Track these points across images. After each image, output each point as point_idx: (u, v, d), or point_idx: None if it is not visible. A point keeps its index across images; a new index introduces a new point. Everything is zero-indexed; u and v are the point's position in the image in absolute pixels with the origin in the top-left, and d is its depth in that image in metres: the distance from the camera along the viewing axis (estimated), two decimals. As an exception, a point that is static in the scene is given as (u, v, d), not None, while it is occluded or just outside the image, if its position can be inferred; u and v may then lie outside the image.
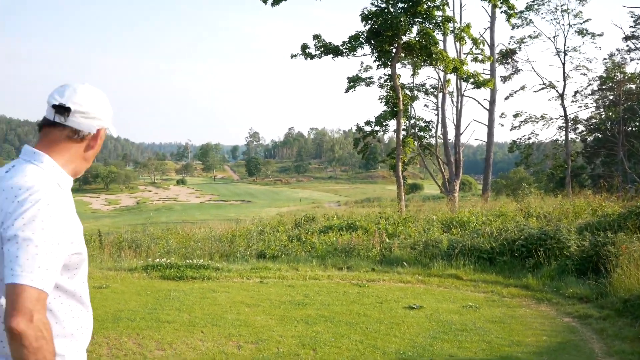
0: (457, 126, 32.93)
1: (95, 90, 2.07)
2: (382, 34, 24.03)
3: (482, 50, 27.55)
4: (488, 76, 29.90)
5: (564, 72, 37.47)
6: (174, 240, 14.45)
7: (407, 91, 31.60)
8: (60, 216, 1.84)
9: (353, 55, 25.92)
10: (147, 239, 14.60)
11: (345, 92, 29.21)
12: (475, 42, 26.17)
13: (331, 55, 25.96)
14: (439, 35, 25.59)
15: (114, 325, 6.82)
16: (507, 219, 13.77)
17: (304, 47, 26.12)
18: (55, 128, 1.99)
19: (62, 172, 1.99)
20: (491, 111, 33.19)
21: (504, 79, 39.01)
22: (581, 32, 36.74)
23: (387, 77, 30.39)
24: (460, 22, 28.26)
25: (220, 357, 5.79)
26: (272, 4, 24.28)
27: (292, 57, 26.29)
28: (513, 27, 35.37)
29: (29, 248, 1.73)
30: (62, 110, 1.97)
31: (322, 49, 25.85)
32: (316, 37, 25.96)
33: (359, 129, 33.68)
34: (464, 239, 11.70)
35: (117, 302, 8.13)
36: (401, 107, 25.88)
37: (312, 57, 26.13)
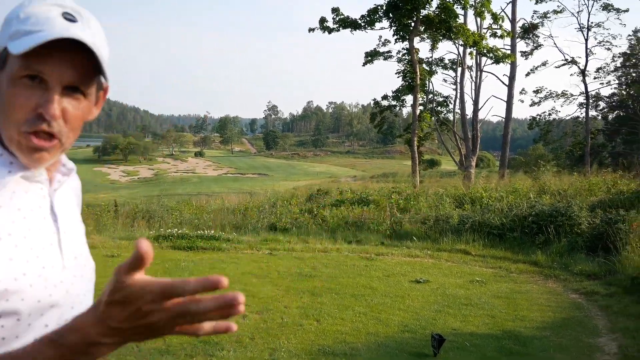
0: (476, 102, 32.59)
1: None
2: (401, 8, 23.80)
3: (501, 25, 27.15)
4: (509, 51, 29.48)
5: (586, 48, 36.78)
6: (187, 212, 14.58)
7: (425, 66, 31.27)
8: None
9: (371, 28, 25.73)
10: (161, 209, 14.74)
11: (363, 66, 29.04)
12: (495, 17, 25.82)
13: (349, 29, 25.80)
14: (458, 9, 25.29)
15: (123, 293, 6.92)
16: (520, 195, 13.70)
17: (322, 20, 25.98)
18: None
19: None
20: (510, 87, 32.75)
21: (525, 54, 38.37)
22: (606, 8, 35.91)
23: (405, 51, 30.14)
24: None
25: (225, 325, 5.85)
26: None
27: (310, 31, 26.15)
28: (537, 2, 34.72)
29: None
30: None
31: (341, 23, 25.70)
32: (335, 10, 25.79)
33: (376, 103, 33.49)
34: (475, 215, 11.68)
35: (128, 270, 8.25)
36: (418, 81, 25.70)
37: (331, 30, 25.98)
